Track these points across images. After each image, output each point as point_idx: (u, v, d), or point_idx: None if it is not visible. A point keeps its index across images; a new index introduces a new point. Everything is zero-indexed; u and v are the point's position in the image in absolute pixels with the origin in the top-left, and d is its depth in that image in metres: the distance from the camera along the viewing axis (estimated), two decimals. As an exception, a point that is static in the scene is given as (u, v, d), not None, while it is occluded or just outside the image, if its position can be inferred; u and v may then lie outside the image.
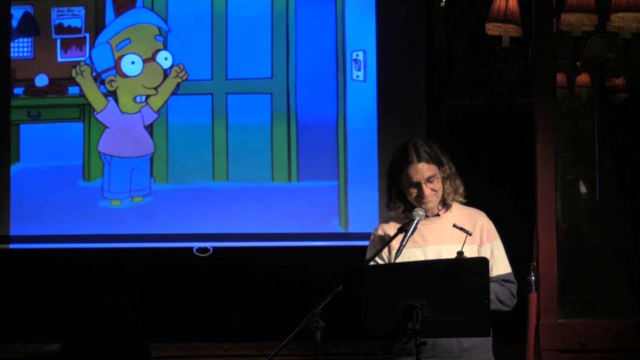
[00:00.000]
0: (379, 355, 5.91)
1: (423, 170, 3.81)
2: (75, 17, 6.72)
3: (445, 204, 3.91)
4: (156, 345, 6.24)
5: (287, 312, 6.09)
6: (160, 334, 6.43)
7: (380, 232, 3.94)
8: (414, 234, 3.81)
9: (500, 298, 3.79)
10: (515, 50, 5.25)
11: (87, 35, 6.71)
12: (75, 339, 2.52)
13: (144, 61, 6.68)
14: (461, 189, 3.91)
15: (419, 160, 3.82)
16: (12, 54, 6.72)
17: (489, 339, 3.87)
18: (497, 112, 6.64)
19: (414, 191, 3.83)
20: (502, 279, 3.85)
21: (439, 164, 3.86)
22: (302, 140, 6.56)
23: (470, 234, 3.76)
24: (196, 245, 6.56)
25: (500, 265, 3.86)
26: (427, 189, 3.81)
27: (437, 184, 3.84)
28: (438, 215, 3.89)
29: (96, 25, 6.71)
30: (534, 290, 4.79)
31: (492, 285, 3.74)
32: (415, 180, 3.81)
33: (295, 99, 6.58)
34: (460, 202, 3.95)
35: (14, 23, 6.74)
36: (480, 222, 3.89)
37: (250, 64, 6.62)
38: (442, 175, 3.86)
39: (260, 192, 6.55)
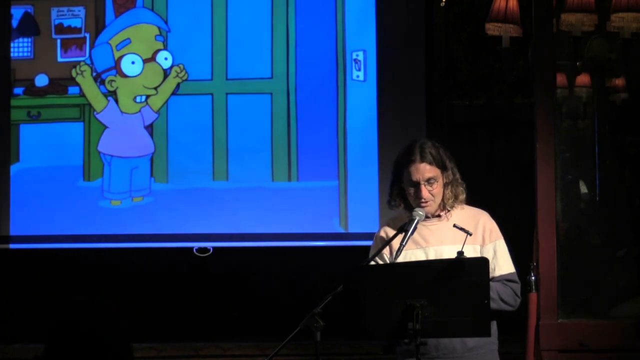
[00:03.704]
0: (379, 355, 5.91)
1: (424, 170, 3.80)
2: (75, 17, 6.73)
3: (445, 207, 3.89)
4: (156, 345, 6.24)
5: (287, 312, 6.10)
6: (160, 334, 6.44)
7: (382, 234, 3.93)
8: (415, 235, 3.80)
9: (503, 298, 3.77)
10: (515, 50, 5.25)
11: (87, 35, 6.71)
12: (56, 340, 2.53)
13: (144, 61, 6.68)
14: (462, 197, 3.88)
15: (422, 160, 3.80)
16: (12, 54, 6.72)
17: (494, 340, 3.85)
18: (497, 112, 6.64)
19: (412, 190, 3.82)
20: (505, 279, 3.83)
21: (443, 168, 3.83)
22: (302, 141, 6.56)
23: (471, 234, 3.75)
24: (196, 245, 6.56)
25: (503, 266, 3.85)
26: (425, 191, 3.80)
27: (437, 188, 3.82)
28: (439, 216, 3.88)
29: (96, 25, 6.71)
30: (534, 290, 4.78)
31: (494, 284, 3.73)
32: (414, 179, 3.80)
33: (295, 99, 6.58)
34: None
35: (14, 23, 6.74)
36: (482, 222, 3.88)
37: (250, 64, 6.62)
38: (444, 180, 3.84)
39: (260, 192, 6.55)
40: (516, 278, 3.88)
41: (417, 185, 3.80)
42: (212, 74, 6.65)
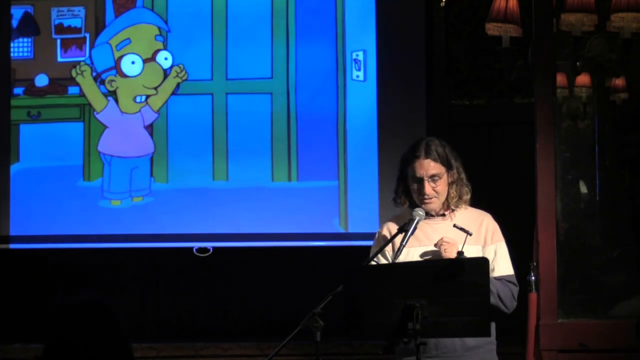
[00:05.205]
0: (379, 355, 5.91)
1: (428, 166, 3.80)
2: (75, 17, 6.72)
3: (449, 206, 3.89)
4: (156, 345, 6.24)
5: (287, 312, 6.11)
6: (160, 334, 6.44)
7: (385, 232, 3.93)
8: (418, 233, 3.80)
9: (501, 295, 3.77)
10: (515, 50, 5.25)
11: (87, 35, 6.71)
12: (56, 340, 2.53)
13: (144, 61, 6.68)
14: (466, 197, 3.88)
15: (426, 157, 3.81)
16: (12, 54, 6.72)
17: (493, 340, 3.85)
18: (497, 112, 6.64)
19: (415, 186, 3.82)
20: (504, 279, 3.84)
21: (448, 166, 3.83)
22: (302, 140, 6.56)
23: (471, 234, 3.75)
24: (196, 245, 6.56)
25: (502, 267, 3.84)
26: (428, 187, 3.79)
27: (441, 185, 3.82)
28: (443, 215, 3.88)
29: (96, 25, 6.71)
30: (534, 290, 4.79)
31: (494, 281, 3.73)
32: (418, 175, 3.80)
33: (295, 99, 6.58)
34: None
35: (14, 23, 6.74)
36: (485, 223, 3.88)
37: (250, 64, 6.62)
38: (449, 179, 3.84)
39: (260, 192, 6.54)
40: (514, 280, 3.88)
41: (420, 181, 3.80)
42: (212, 74, 6.65)
